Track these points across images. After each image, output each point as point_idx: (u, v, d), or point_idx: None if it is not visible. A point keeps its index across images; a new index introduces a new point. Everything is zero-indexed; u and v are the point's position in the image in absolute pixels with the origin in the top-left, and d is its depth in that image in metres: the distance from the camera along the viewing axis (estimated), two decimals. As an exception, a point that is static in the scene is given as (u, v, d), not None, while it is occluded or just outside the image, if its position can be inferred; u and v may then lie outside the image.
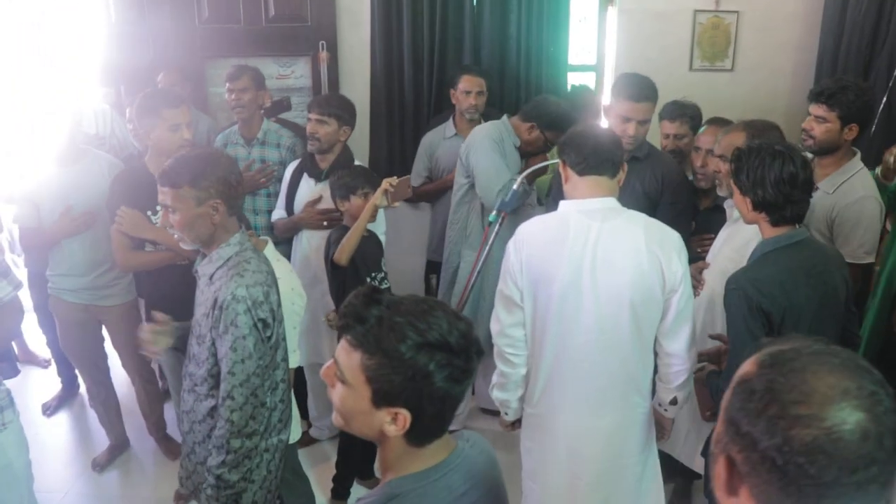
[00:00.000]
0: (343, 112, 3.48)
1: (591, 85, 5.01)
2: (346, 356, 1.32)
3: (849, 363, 0.97)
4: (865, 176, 2.97)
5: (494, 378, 2.60)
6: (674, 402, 2.53)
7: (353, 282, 3.19)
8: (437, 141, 4.10)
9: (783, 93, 4.86)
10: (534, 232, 2.42)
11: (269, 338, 2.21)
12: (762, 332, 2.23)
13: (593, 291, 2.32)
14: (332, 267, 3.20)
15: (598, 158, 2.37)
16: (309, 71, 4.73)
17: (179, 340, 2.47)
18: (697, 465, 3.04)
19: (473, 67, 4.24)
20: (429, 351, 1.26)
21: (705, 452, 2.56)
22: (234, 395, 2.16)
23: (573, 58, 4.90)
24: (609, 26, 4.89)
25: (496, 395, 2.61)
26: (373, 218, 3.19)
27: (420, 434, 1.34)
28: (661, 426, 2.61)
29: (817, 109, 2.90)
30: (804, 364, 0.96)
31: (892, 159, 3.33)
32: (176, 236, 2.27)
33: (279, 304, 2.28)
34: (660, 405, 2.54)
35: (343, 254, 3.12)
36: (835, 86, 2.90)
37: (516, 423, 2.67)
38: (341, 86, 4.69)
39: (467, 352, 1.31)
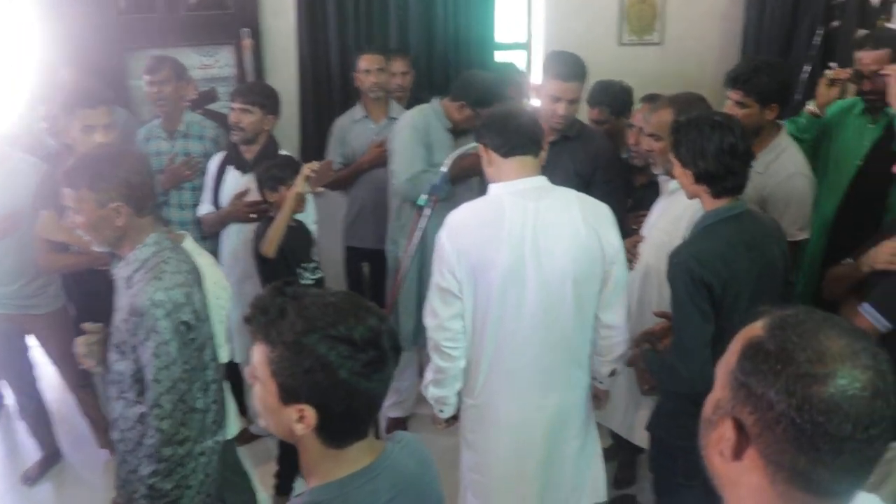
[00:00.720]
0: (267, 100, 3.38)
1: (521, 63, 4.98)
2: (256, 351, 1.28)
3: (849, 327, 1.00)
4: (794, 152, 2.97)
5: (429, 375, 2.54)
6: (612, 373, 2.58)
7: (283, 274, 3.11)
8: (347, 125, 4.02)
9: (711, 64, 4.90)
10: (467, 219, 2.36)
11: (194, 340, 2.12)
12: (706, 305, 2.23)
13: (536, 272, 2.31)
14: (261, 260, 3.13)
15: (521, 139, 2.35)
16: (233, 59, 4.59)
17: None
18: (638, 438, 3.05)
19: (371, 46, 4.17)
20: (329, 342, 1.22)
21: (651, 426, 2.56)
22: (162, 402, 2.06)
23: (502, 36, 4.86)
24: (537, 3, 4.85)
25: (432, 392, 2.54)
26: (301, 207, 3.12)
27: (334, 434, 1.30)
28: (597, 398, 2.65)
29: (734, 94, 2.89)
30: (815, 326, 0.98)
31: (824, 85, 3.35)
32: (85, 238, 2.17)
33: (204, 303, 2.19)
34: (596, 378, 2.57)
35: (270, 245, 3.04)
36: (748, 69, 2.88)
37: (451, 419, 2.63)
38: (267, 74, 4.57)
39: (376, 347, 1.26)
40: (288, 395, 1.25)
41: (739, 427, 0.99)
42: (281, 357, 1.23)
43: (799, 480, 0.97)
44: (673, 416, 2.42)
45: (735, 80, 2.89)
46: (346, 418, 1.28)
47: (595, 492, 2.71)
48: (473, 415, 2.54)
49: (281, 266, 3.12)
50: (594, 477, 2.70)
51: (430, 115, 3.50)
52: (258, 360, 1.28)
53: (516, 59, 5.01)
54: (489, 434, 2.52)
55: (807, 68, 4.36)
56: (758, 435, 0.97)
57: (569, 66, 3.01)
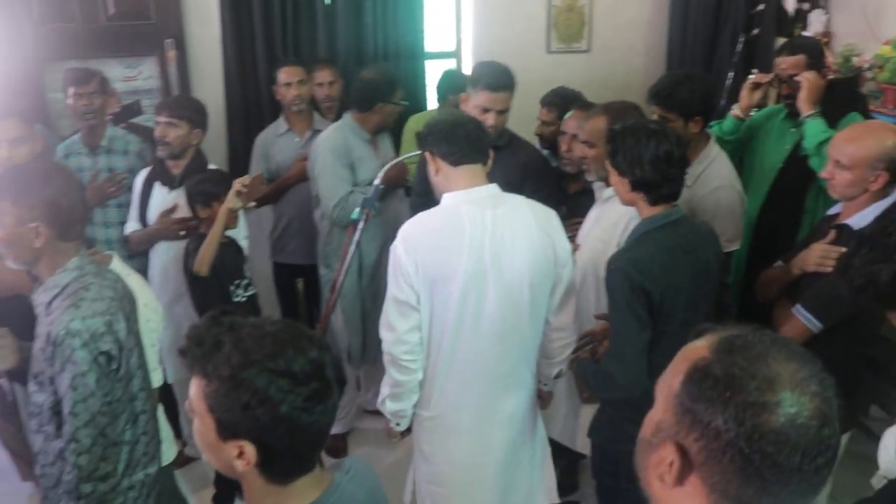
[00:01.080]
0: (194, 114, 3.30)
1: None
2: (193, 384, 1.23)
3: (797, 350, 0.98)
4: (722, 163, 2.99)
5: (385, 390, 2.49)
6: (559, 375, 2.61)
7: (215, 292, 3.07)
8: (270, 139, 3.95)
9: (638, 71, 4.98)
10: (425, 230, 2.33)
11: (117, 370, 2.01)
12: (643, 311, 2.24)
13: (496, 280, 2.31)
14: (193, 279, 3.05)
15: (471, 147, 2.35)
16: (157, 71, 4.44)
17: (26, 362, 2.23)
18: (580, 445, 3.06)
19: (288, 58, 4.14)
20: (268, 376, 1.17)
21: (593, 432, 2.57)
22: (79, 437, 1.95)
23: (431, 45, 4.85)
24: (466, 12, 4.86)
25: (390, 406, 2.49)
26: (233, 223, 3.05)
27: (277, 471, 1.24)
28: (541, 399, 2.68)
29: (657, 110, 2.91)
30: (764, 350, 0.96)
31: (747, 90, 3.41)
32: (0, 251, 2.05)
33: (131, 331, 2.09)
34: (541, 381, 2.60)
35: (202, 264, 2.96)
36: (668, 84, 2.89)
37: (406, 432, 2.60)
38: (193, 86, 4.45)
39: (319, 378, 1.21)
40: (226, 431, 1.20)
41: (683, 453, 0.96)
42: (217, 392, 1.18)
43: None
44: (614, 422, 2.43)
45: (656, 95, 2.91)
46: (289, 454, 1.23)
47: (549, 492, 2.75)
48: (430, 426, 2.51)
49: (213, 284, 3.05)
50: (547, 477, 2.74)
51: (346, 131, 3.47)
52: (194, 393, 1.22)
53: (446, 67, 5.02)
54: (448, 443, 2.51)
55: (731, 74, 4.47)
56: (702, 463, 0.94)
57: (497, 77, 3.00)
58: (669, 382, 1.00)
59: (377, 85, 3.49)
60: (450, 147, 2.34)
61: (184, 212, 3.23)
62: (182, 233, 3.24)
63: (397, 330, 2.35)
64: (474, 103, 3.00)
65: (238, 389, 1.16)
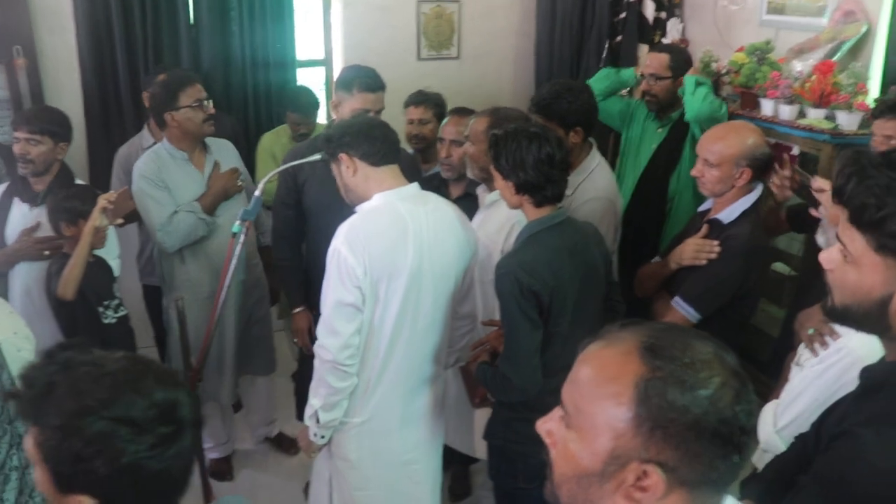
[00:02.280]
0: (58, 127, 3.10)
1: (321, 79, 4.97)
2: (30, 431, 1.10)
3: (695, 332, 1.05)
4: (601, 175, 3.05)
5: (317, 402, 2.39)
6: (457, 361, 2.70)
7: (83, 313, 2.91)
8: (133, 154, 3.70)
9: (507, 78, 5.08)
10: (372, 229, 2.31)
11: None
12: (534, 313, 2.27)
13: (431, 275, 2.37)
14: (58, 302, 2.86)
15: (390, 147, 2.39)
16: (5, 81, 4.15)
17: None
18: (479, 450, 3.06)
19: (171, 67, 3.98)
20: (105, 424, 1.06)
21: (488, 435, 2.58)
22: None
23: (301, 53, 4.77)
24: (335, 20, 4.81)
25: (324, 418, 2.40)
26: (100, 242, 2.89)
27: None
28: None
29: (539, 119, 2.95)
30: (683, 343, 0.99)
31: None
32: None
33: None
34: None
35: (67, 287, 2.80)
36: (549, 95, 2.95)
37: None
38: (46, 97, 4.18)
39: (168, 421, 1.11)
40: (62, 484, 1.08)
41: (663, 468, 0.96)
42: (49, 441, 1.06)
43: (717, 487, 0.99)
44: (510, 423, 2.45)
45: (537, 104, 2.97)
46: None
47: None
48: (358, 433, 2.47)
49: (80, 306, 2.89)
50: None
51: (161, 153, 3.25)
52: (29, 442, 1.09)
53: (316, 76, 4.96)
54: (377, 446, 2.49)
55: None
56: (687, 466, 0.95)
57: (372, 78, 3.01)
58: (609, 411, 0.97)
59: (156, 96, 3.23)
60: (371, 147, 2.35)
61: (46, 230, 3.03)
62: (46, 252, 3.04)
63: (342, 334, 2.30)
64: (351, 106, 2.96)
65: (71, 439, 1.05)
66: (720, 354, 0.99)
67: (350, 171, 2.38)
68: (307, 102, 4.07)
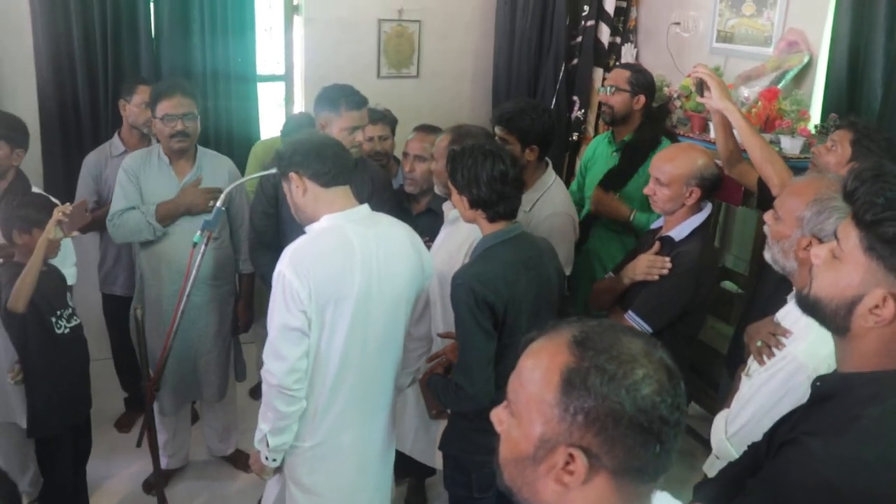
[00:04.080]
0: (14, 133, 3.09)
1: (281, 94, 4.97)
2: None
3: (624, 327, 1.11)
4: (558, 191, 3.13)
5: (267, 426, 2.37)
6: (412, 382, 2.72)
7: (35, 323, 2.86)
8: (102, 161, 3.73)
9: (466, 96, 5.17)
10: (317, 252, 2.28)
11: None
12: (488, 324, 2.32)
13: (380, 299, 2.34)
14: (7, 312, 2.80)
15: (342, 167, 2.36)
16: (-44, 86, 4.10)
17: None
18: (432, 459, 3.10)
19: (149, 78, 3.98)
20: None
21: (444, 445, 2.62)
22: None
23: (261, 68, 4.79)
24: (297, 36, 4.84)
25: (273, 442, 2.37)
26: (53, 254, 2.87)
27: None
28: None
29: (500, 131, 3.04)
30: (611, 336, 1.06)
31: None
32: None
33: None
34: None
35: (18, 300, 2.74)
36: (513, 109, 3.02)
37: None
38: (1, 101, 4.13)
39: None
40: None
41: (586, 453, 1.02)
42: None
43: (640, 476, 1.04)
44: (465, 434, 2.49)
45: (500, 117, 3.05)
46: None
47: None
48: (311, 456, 2.45)
49: (32, 316, 2.83)
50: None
51: (151, 153, 3.36)
52: None
53: (276, 91, 4.98)
54: (332, 468, 2.47)
55: (553, 101, 4.75)
56: (608, 451, 1.01)
57: (357, 95, 3.05)
58: (539, 396, 1.05)
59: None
60: (322, 167, 2.32)
61: (-2, 237, 2.98)
62: (-1, 259, 3.00)
63: (288, 359, 2.26)
64: (340, 126, 3.00)
65: None
66: (648, 350, 1.05)
67: (300, 191, 2.35)
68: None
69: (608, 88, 3.66)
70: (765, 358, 2.01)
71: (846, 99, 3.40)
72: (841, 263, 1.31)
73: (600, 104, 3.84)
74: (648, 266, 2.70)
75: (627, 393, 1.00)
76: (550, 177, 3.15)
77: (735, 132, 2.98)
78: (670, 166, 2.67)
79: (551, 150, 3.20)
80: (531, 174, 3.09)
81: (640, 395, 1.00)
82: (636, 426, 1.00)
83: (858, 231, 1.28)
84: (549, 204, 3.05)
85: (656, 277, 2.67)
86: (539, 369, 1.06)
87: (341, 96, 3.04)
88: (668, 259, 2.66)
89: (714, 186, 2.69)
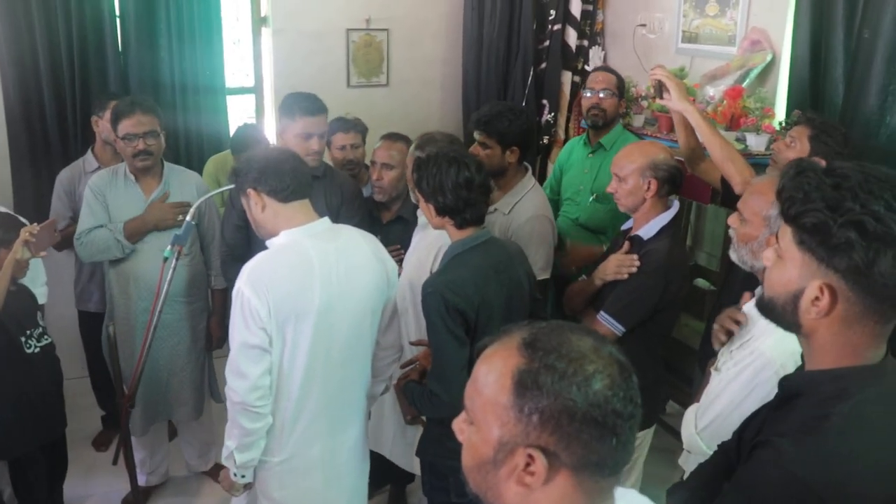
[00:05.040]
0: None
1: (252, 106, 4.97)
2: None
3: (573, 325, 1.13)
4: (537, 195, 3.17)
5: (232, 443, 2.35)
6: (385, 390, 2.73)
7: (4, 343, 2.84)
8: (76, 177, 3.70)
9: (436, 104, 5.18)
10: (275, 269, 2.26)
11: None
12: (460, 330, 2.33)
13: (343, 312, 2.34)
14: None
15: (300, 182, 2.33)
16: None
17: None
18: (410, 465, 3.10)
19: (119, 93, 3.95)
20: None
21: (421, 451, 2.63)
22: None
23: (231, 81, 4.78)
24: (266, 48, 4.84)
25: (240, 459, 2.35)
26: (20, 274, 2.84)
27: None
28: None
29: (479, 135, 3.07)
30: (560, 335, 1.07)
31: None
32: None
33: None
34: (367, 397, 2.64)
35: None
36: (491, 113, 3.06)
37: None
38: (-35, 122, 4.10)
39: None
40: None
41: (544, 452, 1.03)
42: None
43: (600, 470, 1.05)
44: (440, 439, 2.49)
45: (478, 121, 3.08)
46: None
47: None
48: (280, 471, 2.43)
49: (1, 337, 2.82)
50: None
51: (117, 171, 3.33)
52: None
53: (246, 103, 4.97)
54: (301, 483, 2.45)
55: (523, 104, 4.76)
56: (565, 449, 1.02)
57: (312, 101, 3.06)
58: (494, 400, 1.06)
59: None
60: (280, 183, 2.30)
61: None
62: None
63: (249, 377, 2.25)
64: (294, 132, 3.01)
65: None
66: (597, 346, 1.07)
67: (258, 207, 2.33)
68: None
69: (602, 92, 3.68)
70: (732, 352, 2.02)
71: (809, 95, 3.44)
72: (783, 261, 1.33)
73: (581, 108, 3.84)
74: (618, 265, 2.72)
75: (579, 389, 1.01)
76: (530, 181, 3.18)
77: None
78: (626, 160, 2.72)
79: (531, 152, 3.22)
80: (511, 177, 3.13)
81: (591, 390, 1.01)
82: (590, 421, 1.01)
83: (789, 227, 1.31)
84: (528, 207, 3.08)
85: (626, 276, 2.69)
86: (493, 374, 1.07)
87: (295, 102, 3.06)
88: (636, 257, 2.68)
89: (673, 179, 2.70)
